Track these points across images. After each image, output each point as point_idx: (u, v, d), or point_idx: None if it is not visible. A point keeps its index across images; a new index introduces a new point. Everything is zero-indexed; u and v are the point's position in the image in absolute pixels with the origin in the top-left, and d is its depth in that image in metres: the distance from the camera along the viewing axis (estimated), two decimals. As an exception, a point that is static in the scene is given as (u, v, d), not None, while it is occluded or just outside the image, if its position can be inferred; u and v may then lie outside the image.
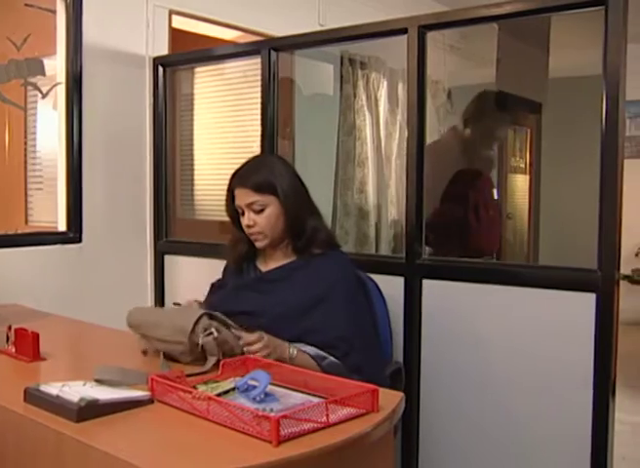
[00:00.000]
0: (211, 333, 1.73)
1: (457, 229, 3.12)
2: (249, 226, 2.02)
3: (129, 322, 1.91)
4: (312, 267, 2.01)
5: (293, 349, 1.85)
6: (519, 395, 2.19)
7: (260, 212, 2.00)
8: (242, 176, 2.04)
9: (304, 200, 2.07)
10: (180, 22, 3.51)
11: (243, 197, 2.01)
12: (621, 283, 2.26)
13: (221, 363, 1.65)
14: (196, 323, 1.75)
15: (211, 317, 1.80)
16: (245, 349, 1.77)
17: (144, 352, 1.87)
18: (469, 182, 3.22)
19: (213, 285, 2.23)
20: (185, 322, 1.76)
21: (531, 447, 2.19)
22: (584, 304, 2.05)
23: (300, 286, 1.99)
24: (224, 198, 2.11)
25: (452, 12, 2.47)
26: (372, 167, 4.10)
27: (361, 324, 1.99)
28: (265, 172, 2.03)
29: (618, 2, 1.96)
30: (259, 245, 2.05)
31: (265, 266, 2.11)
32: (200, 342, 1.73)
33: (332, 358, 1.88)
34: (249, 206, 2.01)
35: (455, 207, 3.18)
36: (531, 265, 2.63)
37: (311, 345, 1.89)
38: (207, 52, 3.21)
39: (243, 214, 2.03)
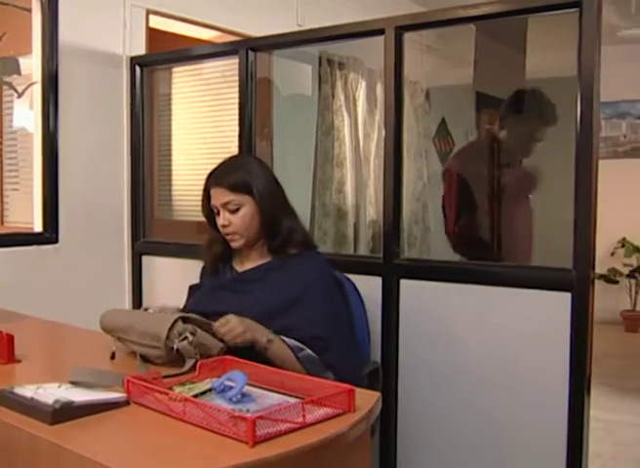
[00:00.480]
0: (186, 338, 1.73)
1: (488, 235, 2.97)
2: (224, 226, 2.02)
3: (102, 325, 1.91)
4: (288, 268, 2.01)
5: (272, 334, 1.85)
6: (496, 394, 2.21)
7: (235, 211, 2.00)
8: (218, 176, 2.04)
9: (280, 200, 2.07)
10: (157, 22, 3.50)
11: (218, 196, 2.01)
12: (598, 282, 2.30)
13: (198, 364, 1.65)
14: (170, 328, 1.74)
15: (185, 320, 1.79)
16: (219, 335, 1.80)
17: (112, 356, 1.86)
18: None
19: (191, 287, 2.22)
20: (159, 328, 1.75)
21: (507, 445, 2.20)
22: (560, 303, 2.07)
23: (277, 286, 1.99)
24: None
25: (428, 13, 2.48)
26: (350, 167, 4.11)
27: (337, 324, 1.99)
28: (241, 171, 2.03)
29: (592, 4, 1.98)
30: (234, 245, 2.05)
31: (241, 267, 2.11)
32: (175, 347, 1.72)
33: (309, 350, 1.88)
34: (224, 205, 2.01)
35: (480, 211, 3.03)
36: (507, 265, 2.63)
37: None
38: (184, 52, 3.20)
39: (218, 213, 2.03)
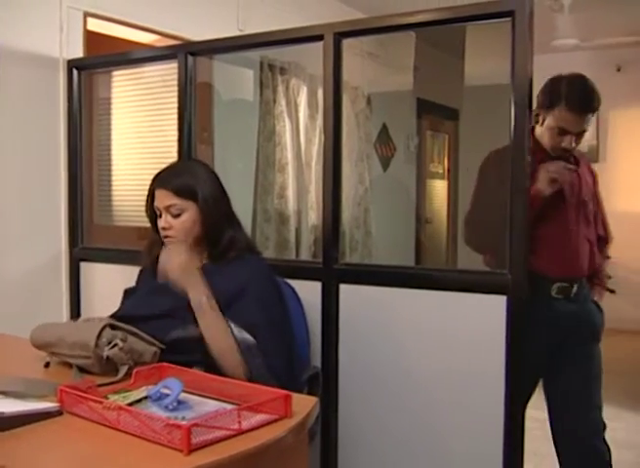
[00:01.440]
0: (116, 345, 1.70)
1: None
2: (164, 229, 2.00)
3: (32, 342, 1.86)
4: (226, 269, 1.99)
5: (212, 301, 1.86)
6: (434, 395, 2.23)
7: (177, 216, 1.98)
8: (163, 178, 2.03)
9: (224, 209, 2.05)
10: (96, 25, 3.44)
11: (162, 199, 2.00)
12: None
13: (134, 371, 1.63)
14: (99, 336, 1.72)
15: (113, 328, 1.77)
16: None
17: (46, 365, 1.83)
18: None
19: (126, 291, 2.20)
20: (87, 337, 1.72)
21: (445, 445, 2.23)
22: (497, 306, 2.10)
23: (213, 286, 1.97)
24: (144, 202, 2.08)
25: (367, 19, 2.50)
26: (292, 172, 4.12)
27: (270, 314, 1.95)
28: (188, 176, 2.02)
29: (523, 14, 2.03)
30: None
31: None
32: (105, 355, 1.70)
33: (246, 334, 1.86)
34: (167, 208, 1.99)
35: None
36: (445, 269, 2.68)
37: None
38: (123, 55, 3.16)
39: (160, 215, 2.01)
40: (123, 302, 2.15)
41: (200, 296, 1.86)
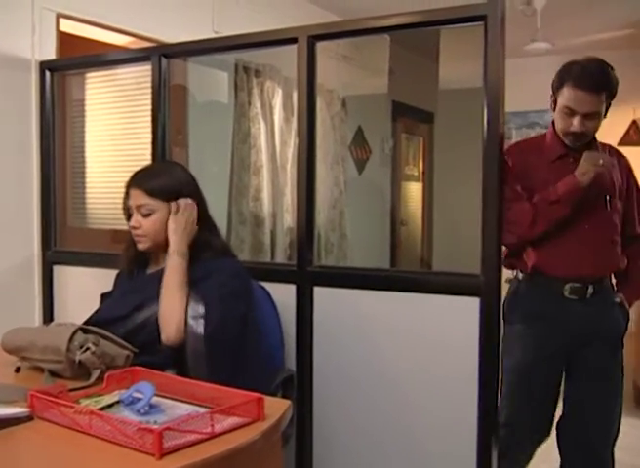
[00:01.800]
0: (88, 349, 1.69)
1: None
2: (133, 228, 2.01)
3: (3, 347, 1.85)
4: (197, 267, 1.98)
5: (185, 262, 1.93)
6: (409, 398, 2.24)
7: (147, 216, 1.99)
8: (138, 178, 2.04)
9: (199, 211, 2.04)
10: (70, 27, 3.41)
11: (135, 198, 2.00)
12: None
13: (106, 375, 1.62)
14: (70, 340, 1.71)
15: (86, 331, 1.76)
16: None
17: (17, 369, 1.81)
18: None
19: (103, 295, 2.19)
20: (59, 341, 1.71)
21: (419, 446, 2.23)
22: (470, 308, 2.11)
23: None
24: (118, 204, 2.09)
25: (341, 22, 2.51)
26: (267, 174, 4.11)
27: (225, 295, 1.92)
28: (163, 177, 2.03)
29: (496, 19, 2.05)
30: (140, 246, 2.03)
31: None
32: (77, 359, 1.69)
33: (201, 329, 1.86)
34: (138, 208, 2.00)
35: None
36: (419, 271, 2.69)
37: None
38: (96, 57, 3.13)
39: (133, 214, 2.01)
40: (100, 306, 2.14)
41: (177, 250, 1.93)
